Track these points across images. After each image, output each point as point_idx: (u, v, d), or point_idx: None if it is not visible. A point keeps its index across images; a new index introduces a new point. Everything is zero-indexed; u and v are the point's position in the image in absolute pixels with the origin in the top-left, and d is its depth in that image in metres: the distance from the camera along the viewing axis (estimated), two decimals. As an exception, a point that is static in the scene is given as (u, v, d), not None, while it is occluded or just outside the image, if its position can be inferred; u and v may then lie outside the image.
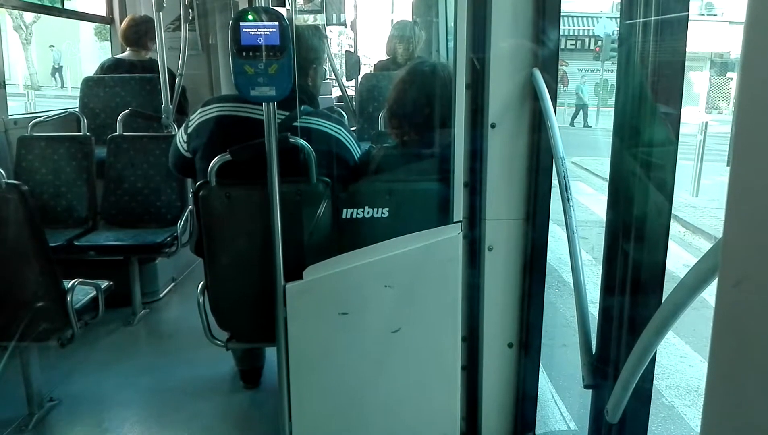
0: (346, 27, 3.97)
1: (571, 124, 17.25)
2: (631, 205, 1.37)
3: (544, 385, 2.81)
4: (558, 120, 1.58)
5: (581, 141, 13.37)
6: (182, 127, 1.98)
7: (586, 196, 7.98)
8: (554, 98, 1.60)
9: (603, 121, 16.44)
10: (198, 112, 1.92)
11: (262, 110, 1.54)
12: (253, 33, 1.46)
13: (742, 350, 0.50)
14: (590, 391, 1.51)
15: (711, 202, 7.64)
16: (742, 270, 0.51)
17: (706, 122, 8.62)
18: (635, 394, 1.02)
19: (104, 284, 2.18)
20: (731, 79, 20.72)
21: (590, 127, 16.92)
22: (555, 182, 1.57)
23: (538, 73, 1.61)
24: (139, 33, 3.71)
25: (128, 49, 3.78)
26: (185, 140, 1.95)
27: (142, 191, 3.06)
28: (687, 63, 1.33)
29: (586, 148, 11.23)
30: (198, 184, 1.78)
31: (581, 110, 17.54)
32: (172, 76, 3.39)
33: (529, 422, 1.88)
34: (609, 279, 1.46)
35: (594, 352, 1.39)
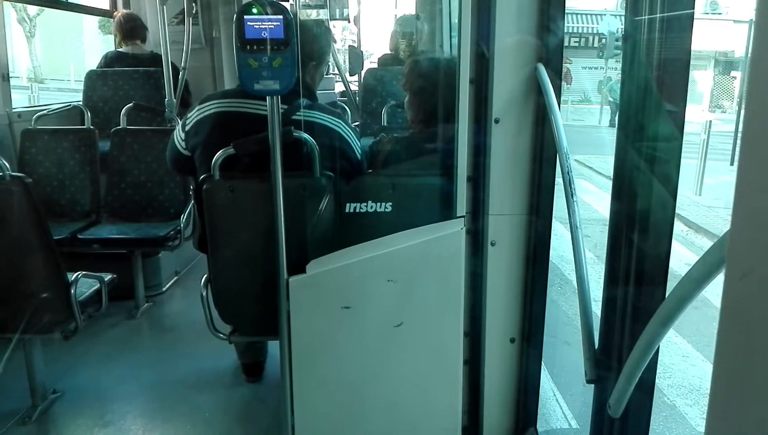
0: (349, 22, 3.96)
1: (611, 124, 16.63)
2: (636, 200, 1.37)
3: (546, 382, 2.81)
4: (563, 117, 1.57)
5: (585, 139, 13.33)
6: (179, 126, 1.97)
7: (589, 194, 7.96)
8: (558, 93, 1.60)
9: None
10: (195, 109, 1.90)
11: (260, 105, 1.54)
12: (257, 27, 1.45)
13: (748, 342, 0.50)
14: (592, 388, 1.51)
15: (715, 200, 7.61)
16: (749, 263, 0.51)
17: (710, 121, 8.57)
18: (638, 388, 1.02)
19: (108, 277, 2.18)
20: (735, 78, 20.64)
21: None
22: (558, 179, 1.57)
23: (542, 68, 1.61)
24: (135, 26, 3.74)
25: (129, 42, 3.78)
26: (183, 138, 1.93)
27: (145, 185, 3.06)
28: (691, 61, 1.33)
29: (592, 146, 11.19)
30: (201, 178, 1.78)
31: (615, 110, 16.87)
32: (176, 70, 3.39)
33: (530, 417, 1.88)
34: (613, 273, 1.45)
35: (597, 346, 1.39)
